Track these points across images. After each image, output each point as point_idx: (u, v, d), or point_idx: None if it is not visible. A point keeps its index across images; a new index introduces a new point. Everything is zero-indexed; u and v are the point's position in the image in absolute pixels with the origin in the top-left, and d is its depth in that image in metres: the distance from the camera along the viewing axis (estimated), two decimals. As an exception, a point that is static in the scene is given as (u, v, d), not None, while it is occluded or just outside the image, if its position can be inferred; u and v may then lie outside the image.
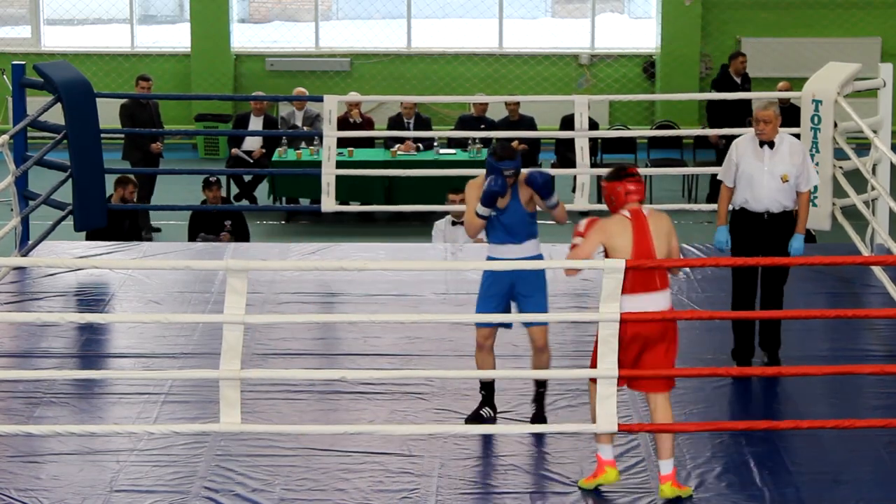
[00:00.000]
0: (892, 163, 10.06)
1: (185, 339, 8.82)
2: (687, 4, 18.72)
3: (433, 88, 18.82)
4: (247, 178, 15.89)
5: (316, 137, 14.92)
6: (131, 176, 13.17)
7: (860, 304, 9.63)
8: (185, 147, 18.97)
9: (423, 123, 16.01)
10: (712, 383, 8.14)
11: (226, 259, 10.37)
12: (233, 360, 6.83)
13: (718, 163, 14.50)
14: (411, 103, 15.99)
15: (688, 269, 9.90)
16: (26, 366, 8.48)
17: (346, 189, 13.65)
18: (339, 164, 11.65)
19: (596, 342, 6.83)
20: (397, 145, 15.53)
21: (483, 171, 7.57)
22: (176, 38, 19.58)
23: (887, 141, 10.29)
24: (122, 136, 15.42)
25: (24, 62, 11.10)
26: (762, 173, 8.23)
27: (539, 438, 7.43)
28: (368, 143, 16.00)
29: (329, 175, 11.15)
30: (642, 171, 15.32)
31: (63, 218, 10.74)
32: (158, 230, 14.78)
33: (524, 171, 7.54)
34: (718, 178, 8.49)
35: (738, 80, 15.95)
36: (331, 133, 11.20)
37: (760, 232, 8.31)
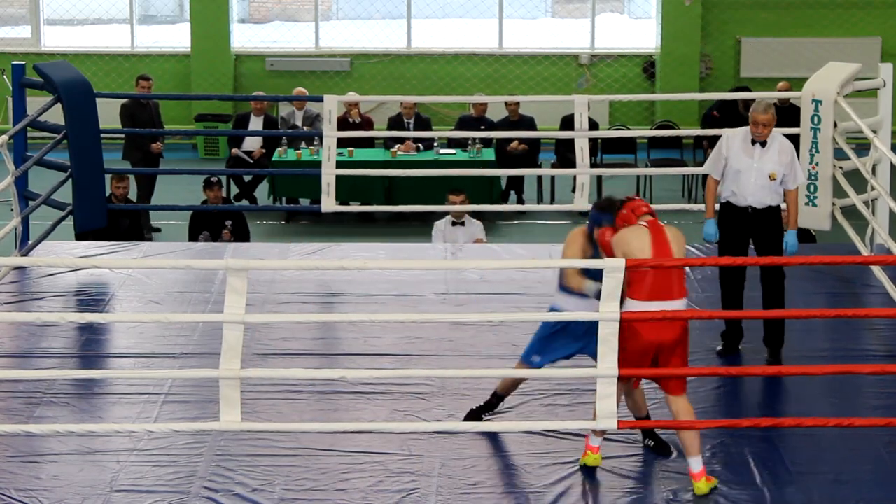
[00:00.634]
0: (892, 163, 10.06)
1: (185, 338, 8.81)
2: (687, 4, 18.72)
3: (433, 88, 18.82)
4: (247, 178, 15.90)
5: (316, 137, 14.93)
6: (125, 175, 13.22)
7: (860, 303, 9.63)
8: (185, 147, 18.97)
9: (423, 123, 16.01)
10: (712, 382, 8.14)
11: (226, 259, 10.39)
12: (233, 359, 6.83)
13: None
14: (411, 103, 15.99)
15: (687, 269, 9.90)
16: (26, 366, 8.48)
17: (346, 189, 13.65)
18: (339, 164, 11.65)
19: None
20: (397, 145, 15.53)
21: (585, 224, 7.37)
22: (176, 38, 19.58)
23: (887, 141, 10.28)
24: (123, 136, 15.43)
25: (24, 62, 11.10)
26: (751, 170, 8.33)
27: (539, 438, 7.42)
28: (368, 143, 16.00)
29: (329, 175, 11.15)
30: (642, 171, 15.54)
31: (63, 218, 10.74)
32: (158, 230, 14.78)
33: None
34: (704, 169, 8.61)
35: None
36: (331, 133, 11.19)
37: (747, 226, 8.45)
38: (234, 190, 15.82)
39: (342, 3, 20.16)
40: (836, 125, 10.32)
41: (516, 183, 16.01)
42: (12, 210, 10.21)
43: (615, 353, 6.81)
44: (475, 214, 12.91)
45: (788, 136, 8.61)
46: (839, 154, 10.35)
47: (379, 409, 7.84)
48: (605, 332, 6.81)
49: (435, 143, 15.75)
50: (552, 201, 15.80)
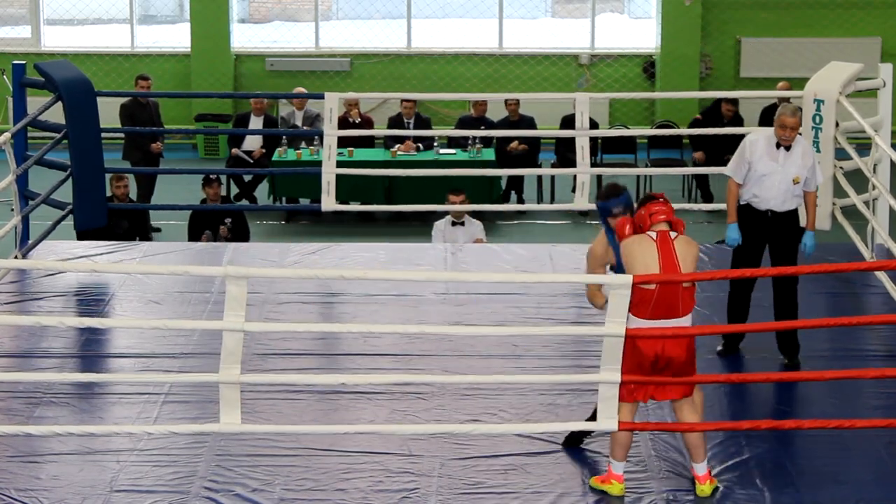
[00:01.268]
0: (892, 161, 10.06)
1: (184, 339, 8.81)
2: (687, 4, 18.72)
3: (433, 88, 18.81)
4: (247, 177, 15.90)
5: (316, 137, 14.93)
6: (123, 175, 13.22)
7: (860, 304, 9.62)
8: (185, 147, 18.97)
9: (423, 123, 16.01)
10: (712, 384, 8.13)
11: (225, 262, 10.38)
12: (233, 364, 6.82)
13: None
14: (411, 103, 15.99)
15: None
16: (26, 366, 8.47)
17: (346, 189, 13.64)
18: (339, 164, 11.64)
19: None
20: (397, 145, 15.53)
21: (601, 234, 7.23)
22: (176, 38, 19.58)
23: (887, 141, 10.28)
24: (123, 135, 15.43)
25: (24, 62, 11.10)
26: (776, 174, 8.30)
27: (539, 438, 7.41)
28: (368, 142, 16.00)
29: (329, 174, 11.14)
30: (642, 171, 15.53)
31: (63, 217, 10.74)
32: (158, 230, 14.78)
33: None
34: (727, 173, 8.51)
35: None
36: (331, 132, 11.18)
37: (765, 228, 8.40)
38: (234, 190, 15.82)
39: (342, 3, 20.16)
40: (837, 125, 10.32)
41: (516, 183, 16.01)
42: (12, 209, 10.21)
43: (619, 363, 6.78)
44: (475, 214, 12.91)
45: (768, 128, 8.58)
46: (840, 154, 10.35)
47: (379, 409, 7.84)
48: (609, 343, 6.77)
49: (435, 143, 15.75)
50: (552, 201, 15.80)
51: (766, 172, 8.31)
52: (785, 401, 8.07)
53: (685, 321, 6.82)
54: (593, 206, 11.31)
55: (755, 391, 8.16)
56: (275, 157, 15.41)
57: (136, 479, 7.05)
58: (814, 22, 18.84)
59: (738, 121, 15.75)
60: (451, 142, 16.09)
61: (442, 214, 12.76)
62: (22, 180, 10.37)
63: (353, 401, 7.93)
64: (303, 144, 15.49)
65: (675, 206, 7.06)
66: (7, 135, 9.98)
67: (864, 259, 9.90)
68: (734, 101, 15.66)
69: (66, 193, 10.69)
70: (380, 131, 16.08)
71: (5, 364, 8.52)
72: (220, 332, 6.88)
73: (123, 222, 13.01)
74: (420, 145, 15.57)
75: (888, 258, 9.51)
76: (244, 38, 19.59)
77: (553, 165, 15.90)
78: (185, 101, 18.87)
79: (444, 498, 6.90)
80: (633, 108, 18.99)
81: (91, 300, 9.76)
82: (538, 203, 15.60)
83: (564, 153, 15.55)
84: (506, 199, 15.65)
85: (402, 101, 16.08)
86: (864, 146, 10.51)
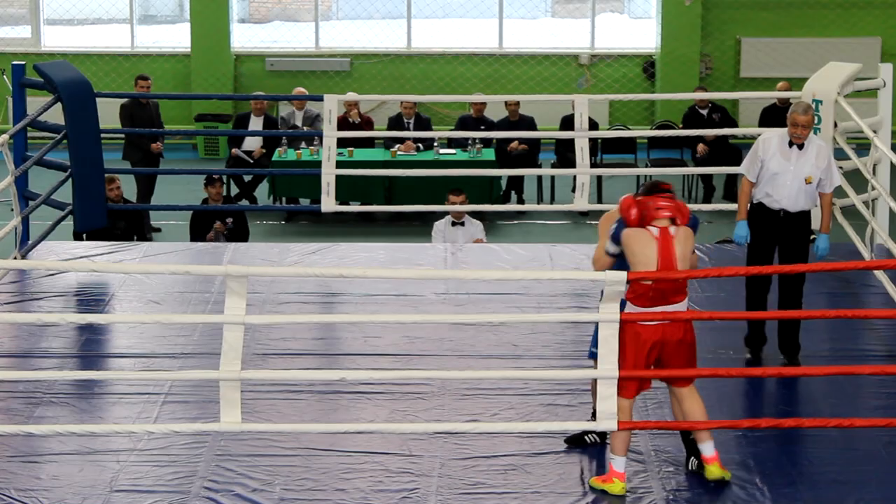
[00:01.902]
0: (892, 162, 10.06)
1: (185, 338, 8.81)
2: (687, 4, 18.71)
3: (433, 88, 18.81)
4: (247, 178, 15.89)
5: (316, 137, 14.93)
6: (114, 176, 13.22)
7: (860, 304, 9.63)
8: (185, 147, 18.97)
9: (423, 123, 16.01)
10: (713, 382, 8.12)
11: (226, 262, 10.39)
12: (233, 360, 6.83)
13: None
14: (411, 103, 15.99)
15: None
16: (26, 366, 8.48)
17: (346, 189, 13.65)
18: (339, 165, 11.64)
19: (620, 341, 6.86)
20: (397, 145, 15.53)
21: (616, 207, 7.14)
22: (176, 38, 19.57)
23: (887, 141, 10.28)
24: (123, 136, 15.43)
25: (24, 62, 11.10)
26: (788, 173, 8.28)
27: (539, 438, 7.41)
28: (368, 143, 16.00)
29: (329, 175, 11.14)
30: (642, 171, 15.54)
31: (63, 218, 10.74)
32: (158, 230, 14.78)
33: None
34: (740, 171, 8.50)
35: (705, 114, 15.98)
36: (331, 133, 11.19)
37: (777, 228, 8.38)
38: (234, 190, 15.81)
39: (342, 3, 20.16)
40: (836, 125, 10.32)
41: (516, 183, 16.00)
42: (12, 210, 10.21)
43: (615, 355, 6.81)
44: (475, 214, 12.91)
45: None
46: (839, 154, 10.35)
47: (379, 409, 7.84)
48: (604, 332, 6.80)
49: (435, 143, 15.75)
50: (552, 201, 15.80)
51: (779, 171, 8.28)
52: (785, 400, 8.07)
53: (681, 305, 6.90)
54: (593, 207, 11.40)
55: (755, 391, 8.15)
56: (275, 158, 15.41)
57: (136, 479, 7.06)
58: (814, 22, 18.83)
59: (718, 109, 15.87)
60: (451, 142, 16.08)
61: (442, 215, 12.76)
62: (22, 181, 10.37)
63: (353, 401, 7.93)
64: (303, 145, 15.48)
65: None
66: (6, 135, 9.98)
67: (864, 260, 9.89)
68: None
69: (65, 194, 10.69)
70: (380, 132, 16.08)
71: (5, 364, 8.53)
72: (219, 333, 6.88)
73: (120, 223, 12.99)
74: (420, 145, 15.57)
75: (888, 259, 9.51)
76: (244, 38, 19.59)
77: (553, 166, 15.90)
78: (185, 101, 18.86)
79: (444, 498, 6.91)
80: (632, 109, 18.99)
81: (91, 300, 9.77)
82: (538, 203, 15.60)
83: (564, 153, 15.54)
84: (506, 200, 15.65)
85: (402, 101, 16.09)
86: (863, 146, 10.51)
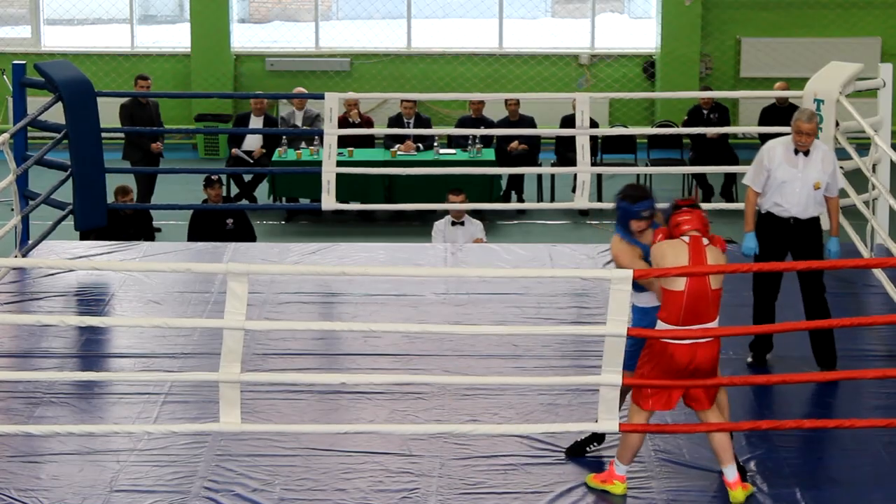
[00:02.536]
0: (892, 161, 10.06)
1: (185, 338, 8.81)
2: (687, 4, 18.71)
3: (433, 88, 18.80)
4: (247, 177, 15.90)
5: (316, 137, 14.93)
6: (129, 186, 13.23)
7: (860, 304, 9.62)
8: (185, 147, 18.97)
9: (423, 123, 16.01)
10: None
11: (226, 260, 10.38)
12: (233, 363, 6.82)
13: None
14: (411, 103, 15.98)
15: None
16: (26, 366, 8.48)
17: (346, 189, 13.63)
18: (339, 164, 11.64)
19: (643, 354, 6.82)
20: (397, 145, 15.53)
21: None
22: (176, 38, 19.57)
23: (887, 141, 10.28)
24: (123, 135, 15.43)
25: (24, 62, 11.10)
26: (796, 180, 8.22)
27: (540, 439, 7.41)
28: (368, 142, 16.00)
29: (329, 173, 11.14)
30: (642, 170, 15.53)
31: (63, 217, 10.74)
32: (158, 230, 14.77)
33: None
34: (745, 182, 8.40)
35: (705, 113, 15.96)
36: (331, 131, 11.18)
37: (787, 237, 8.32)
38: (234, 190, 15.82)
39: (342, 3, 20.16)
40: (837, 125, 10.32)
41: (516, 183, 16.00)
42: (12, 209, 10.20)
43: (620, 358, 6.77)
44: (475, 214, 12.90)
45: (784, 136, 8.55)
46: (841, 154, 10.34)
47: (379, 409, 7.84)
48: (610, 342, 6.75)
49: (435, 143, 15.75)
50: (552, 200, 15.80)
51: (786, 179, 8.21)
52: (785, 400, 8.06)
53: (713, 325, 6.76)
54: (593, 205, 11.39)
55: (755, 392, 8.14)
56: (275, 157, 15.41)
57: (136, 479, 7.06)
58: (814, 22, 18.83)
59: (718, 109, 15.87)
60: (451, 141, 16.08)
61: (442, 214, 12.76)
62: (22, 180, 10.37)
63: (353, 401, 7.93)
64: (303, 144, 15.48)
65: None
66: (7, 135, 9.98)
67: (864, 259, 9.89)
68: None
69: (66, 193, 10.69)
70: (380, 130, 16.09)
71: (5, 364, 8.52)
72: (219, 333, 6.88)
73: (130, 230, 13.04)
74: (420, 145, 15.57)
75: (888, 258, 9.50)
76: (244, 38, 19.59)
77: (553, 165, 15.90)
78: (185, 100, 18.86)
79: (444, 498, 6.90)
80: (632, 108, 18.99)
81: (91, 300, 9.76)
82: (538, 202, 15.60)
83: (564, 153, 15.55)
84: (506, 199, 15.65)
85: (402, 101, 16.08)
86: (864, 146, 10.51)
